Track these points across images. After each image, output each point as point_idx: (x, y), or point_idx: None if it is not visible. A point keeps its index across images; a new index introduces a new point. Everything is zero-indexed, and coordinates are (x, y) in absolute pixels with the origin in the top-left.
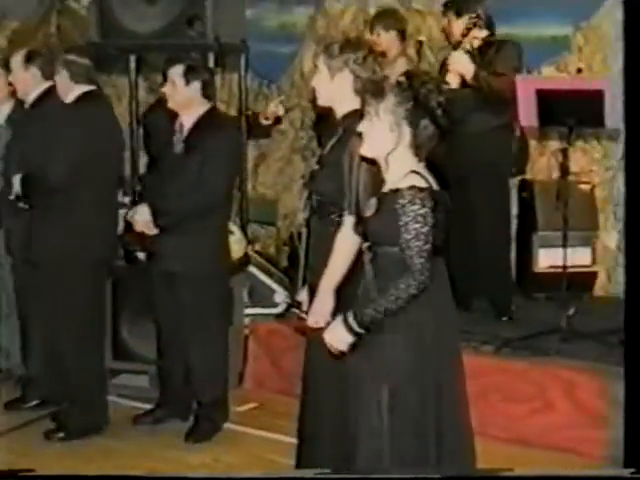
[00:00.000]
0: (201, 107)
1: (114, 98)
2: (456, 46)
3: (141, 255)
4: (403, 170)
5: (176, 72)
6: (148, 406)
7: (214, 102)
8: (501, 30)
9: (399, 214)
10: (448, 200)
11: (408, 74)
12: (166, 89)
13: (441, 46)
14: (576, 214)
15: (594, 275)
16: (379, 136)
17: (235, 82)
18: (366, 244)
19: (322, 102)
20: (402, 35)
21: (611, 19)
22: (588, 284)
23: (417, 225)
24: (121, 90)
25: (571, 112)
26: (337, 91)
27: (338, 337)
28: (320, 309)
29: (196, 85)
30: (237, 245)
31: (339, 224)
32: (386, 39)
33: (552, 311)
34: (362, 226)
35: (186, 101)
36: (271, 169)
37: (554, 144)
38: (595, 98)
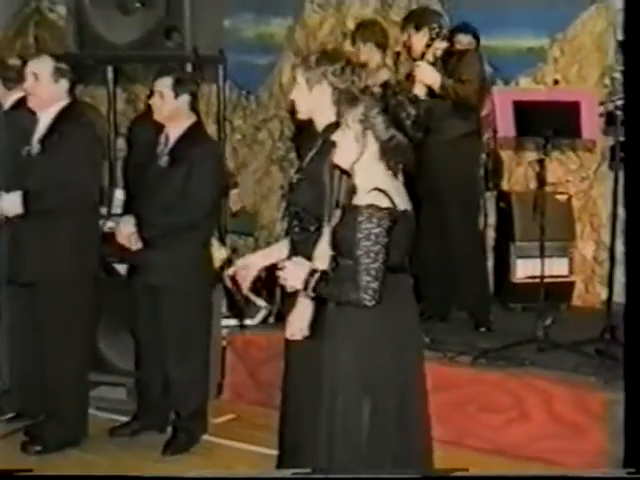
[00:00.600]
0: (187, 120)
1: None
2: (418, 58)
3: (120, 267)
4: (368, 185)
5: (165, 84)
6: (125, 418)
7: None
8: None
9: (355, 230)
10: (412, 220)
11: (384, 85)
12: (154, 101)
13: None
14: (553, 224)
15: (571, 285)
16: (347, 145)
17: (213, 93)
18: (330, 253)
19: (302, 115)
20: (383, 47)
21: (587, 31)
22: (566, 294)
23: (368, 243)
24: (99, 101)
25: (548, 123)
26: (316, 103)
27: (293, 280)
28: (298, 320)
29: (185, 98)
30: (217, 256)
31: (318, 235)
32: (366, 51)
33: (529, 321)
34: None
35: (174, 113)
36: (249, 180)
37: (531, 155)
38: (572, 109)
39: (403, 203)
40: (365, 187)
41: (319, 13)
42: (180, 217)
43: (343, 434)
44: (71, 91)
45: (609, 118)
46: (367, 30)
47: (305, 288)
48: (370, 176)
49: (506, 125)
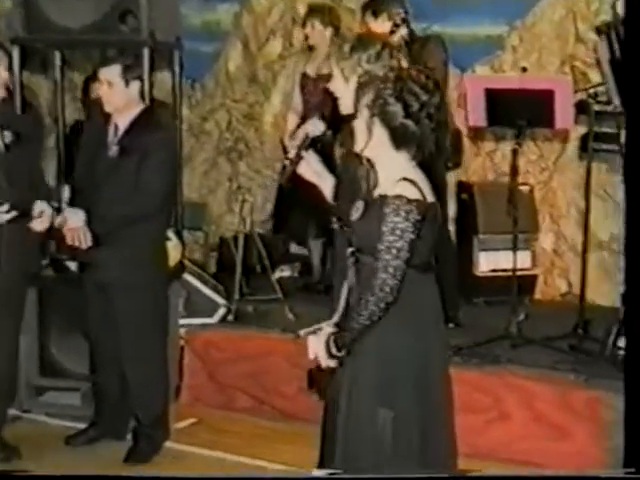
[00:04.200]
0: (137, 107)
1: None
2: None
3: (71, 264)
4: (395, 175)
5: (113, 73)
6: (81, 425)
7: (149, 101)
8: (435, 29)
9: (381, 223)
10: (439, 213)
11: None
12: (102, 91)
13: None
14: (517, 216)
15: (535, 278)
16: (358, 132)
17: (165, 81)
18: (350, 249)
19: (345, 109)
20: (336, 30)
21: (546, 18)
22: (529, 288)
23: (391, 237)
24: (35, 89)
25: (521, 112)
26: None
27: (319, 354)
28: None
29: (135, 85)
30: (174, 252)
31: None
32: (317, 34)
33: (494, 316)
34: (348, 230)
35: (125, 103)
36: (196, 172)
37: (489, 145)
38: (546, 98)
39: (430, 194)
40: (390, 177)
41: None
42: (132, 209)
43: (361, 440)
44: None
45: (580, 107)
46: (319, 12)
47: (332, 356)
48: (393, 166)
49: (477, 114)
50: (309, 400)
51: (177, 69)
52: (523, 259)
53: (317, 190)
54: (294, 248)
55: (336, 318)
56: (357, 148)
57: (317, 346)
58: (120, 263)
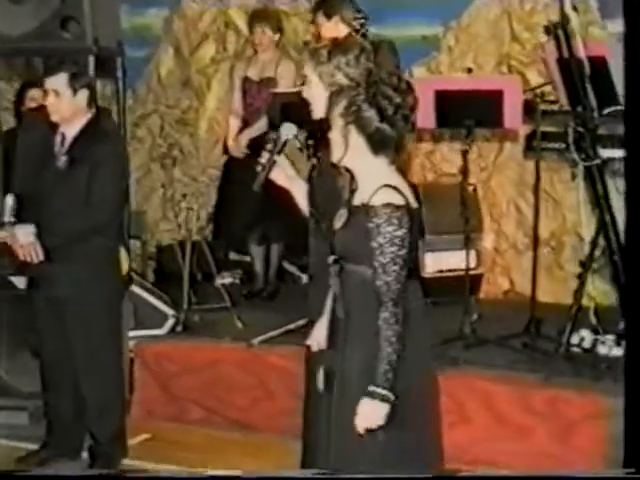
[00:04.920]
0: (85, 116)
1: None
2: None
3: (19, 280)
4: (376, 181)
5: (59, 82)
6: (30, 446)
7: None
8: (372, 30)
9: (373, 234)
10: (421, 216)
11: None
12: (48, 101)
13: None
14: (469, 216)
15: (480, 277)
16: (334, 141)
17: (106, 87)
18: (332, 257)
19: (319, 114)
20: (279, 32)
21: (481, 18)
22: (475, 287)
23: (394, 248)
24: None
25: (469, 113)
26: None
27: (374, 416)
28: (322, 330)
29: (83, 94)
30: (125, 262)
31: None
32: (263, 35)
33: (443, 317)
34: (329, 237)
35: (73, 112)
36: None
37: (427, 146)
38: (495, 98)
39: (412, 199)
40: (371, 184)
41: (198, 3)
42: (85, 223)
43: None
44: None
45: (526, 107)
46: (267, 17)
47: (388, 400)
48: (373, 172)
49: (426, 116)
50: (263, 409)
51: (120, 75)
52: (469, 258)
53: (289, 195)
54: (233, 255)
55: (323, 329)
56: (334, 159)
57: (369, 409)
58: (73, 278)
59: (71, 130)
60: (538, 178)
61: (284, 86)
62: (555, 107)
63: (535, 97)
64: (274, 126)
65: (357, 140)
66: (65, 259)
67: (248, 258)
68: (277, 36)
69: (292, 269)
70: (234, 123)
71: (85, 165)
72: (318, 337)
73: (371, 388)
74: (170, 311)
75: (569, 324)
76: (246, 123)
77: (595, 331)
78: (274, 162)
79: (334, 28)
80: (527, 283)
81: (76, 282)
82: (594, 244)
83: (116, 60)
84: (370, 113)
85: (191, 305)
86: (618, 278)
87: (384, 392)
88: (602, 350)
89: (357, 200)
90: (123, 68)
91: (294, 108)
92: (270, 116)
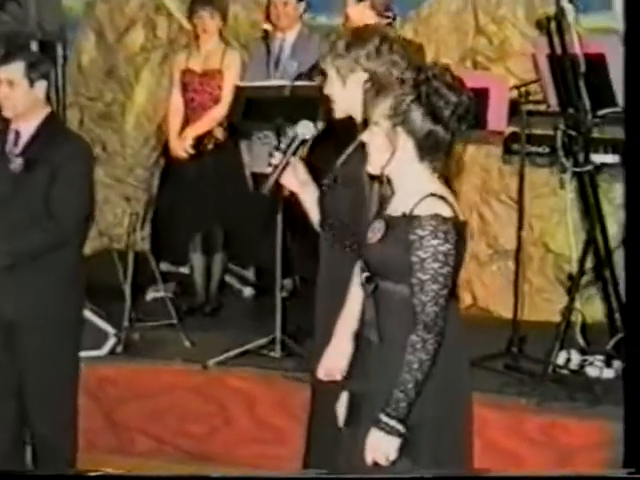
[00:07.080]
0: (42, 111)
1: None
2: None
3: None
4: (417, 190)
5: (15, 71)
6: None
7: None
8: (322, 20)
9: (415, 247)
10: (468, 232)
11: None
12: (1, 93)
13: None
14: None
15: None
16: (376, 147)
17: None
18: (365, 274)
19: (339, 113)
20: (224, 15)
21: (443, 10)
22: None
23: (436, 265)
24: None
25: None
26: (353, 96)
27: (384, 449)
28: (335, 358)
29: (41, 85)
30: None
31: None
32: (213, 25)
33: None
34: (362, 252)
35: (29, 106)
36: None
37: None
38: (479, 97)
39: (459, 211)
40: (414, 193)
41: None
42: (44, 238)
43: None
44: None
45: (511, 107)
46: (210, 1)
47: (400, 433)
48: (412, 179)
49: None
50: (221, 438)
51: (61, 61)
52: None
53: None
54: (165, 266)
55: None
56: (374, 166)
57: (379, 442)
58: (28, 298)
59: (27, 127)
60: (522, 184)
61: (231, 79)
62: (541, 107)
63: (520, 97)
64: (232, 123)
65: (405, 144)
66: (16, 277)
67: (182, 269)
68: (219, 21)
69: (232, 281)
70: (175, 121)
71: (44, 168)
72: (330, 365)
73: (379, 416)
74: (111, 330)
75: (556, 344)
76: (187, 121)
77: (582, 351)
78: (287, 164)
79: (361, 12)
80: (490, 297)
81: (30, 303)
82: (584, 257)
83: (57, 45)
84: (421, 114)
85: (132, 322)
86: (607, 294)
87: (392, 422)
88: (592, 372)
89: (395, 210)
90: (64, 54)
91: (261, 103)
92: (231, 112)
